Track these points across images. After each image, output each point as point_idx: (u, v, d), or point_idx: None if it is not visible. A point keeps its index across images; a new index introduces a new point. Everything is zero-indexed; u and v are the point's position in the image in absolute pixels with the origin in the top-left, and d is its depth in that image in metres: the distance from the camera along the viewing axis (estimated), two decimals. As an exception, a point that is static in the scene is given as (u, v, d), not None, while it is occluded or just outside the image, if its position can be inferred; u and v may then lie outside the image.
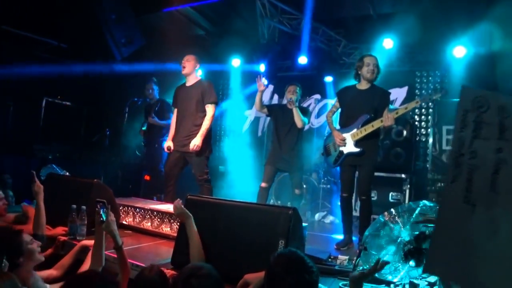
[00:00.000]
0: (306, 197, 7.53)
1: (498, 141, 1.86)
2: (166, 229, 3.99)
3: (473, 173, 1.87)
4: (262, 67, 8.65)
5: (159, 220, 4.06)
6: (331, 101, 8.63)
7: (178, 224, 3.28)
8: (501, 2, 6.05)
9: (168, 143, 5.26)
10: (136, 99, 7.43)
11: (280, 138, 5.37)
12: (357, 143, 4.51)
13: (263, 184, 5.33)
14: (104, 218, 2.68)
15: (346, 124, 4.64)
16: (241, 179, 7.84)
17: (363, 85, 4.59)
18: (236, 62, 9.04)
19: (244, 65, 9.08)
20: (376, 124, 4.39)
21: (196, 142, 4.90)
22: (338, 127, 4.80)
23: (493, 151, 1.86)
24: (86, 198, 3.70)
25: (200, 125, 5.03)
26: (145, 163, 7.28)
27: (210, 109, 5.07)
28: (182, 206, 2.87)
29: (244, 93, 9.48)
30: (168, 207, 4.13)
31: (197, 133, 4.98)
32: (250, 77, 8.92)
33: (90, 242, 2.93)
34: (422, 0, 6.68)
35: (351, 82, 4.82)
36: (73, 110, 9.19)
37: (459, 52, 7.23)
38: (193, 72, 5.23)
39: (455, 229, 1.86)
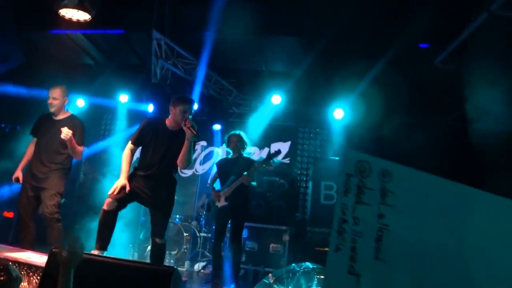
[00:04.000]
0: (186, 245, 7.27)
1: (380, 206, 1.86)
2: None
3: (357, 241, 1.82)
4: (150, 107, 8.39)
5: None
6: (218, 149, 8.80)
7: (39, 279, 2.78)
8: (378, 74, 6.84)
9: (17, 173, 4.73)
10: (3, 124, 6.57)
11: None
12: (227, 198, 5.53)
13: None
14: None
15: (222, 185, 5.74)
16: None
17: (234, 155, 5.80)
18: (123, 97, 8.63)
19: (132, 102, 8.70)
20: (237, 182, 5.49)
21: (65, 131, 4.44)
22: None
23: (375, 217, 1.85)
24: None
25: (60, 163, 4.71)
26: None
27: (80, 150, 4.73)
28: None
29: (129, 131, 9.02)
30: (29, 256, 3.55)
31: (56, 171, 4.66)
32: (136, 115, 8.61)
33: None
34: (310, 65, 7.21)
35: (238, 131, 5.89)
36: None
37: (338, 114, 7.90)
38: (62, 107, 4.86)
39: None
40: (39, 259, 3.61)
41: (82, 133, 4.76)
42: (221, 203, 5.55)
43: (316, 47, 6.91)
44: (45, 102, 4.87)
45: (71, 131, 4.47)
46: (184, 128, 4.02)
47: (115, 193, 3.95)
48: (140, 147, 4.29)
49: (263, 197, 7.13)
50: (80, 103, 8.73)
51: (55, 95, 4.74)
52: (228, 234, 5.69)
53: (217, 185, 5.93)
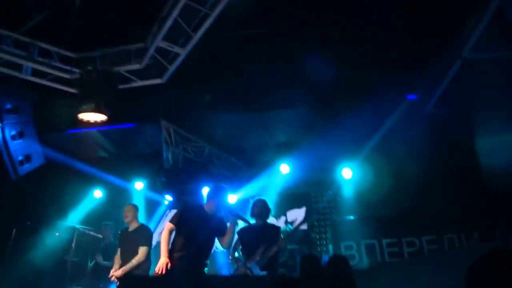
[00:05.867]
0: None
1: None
2: None
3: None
4: (168, 198, 8.68)
5: None
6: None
7: None
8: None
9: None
10: (29, 222, 6.94)
11: None
12: (262, 268, 5.11)
13: None
14: None
15: (248, 255, 5.36)
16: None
17: (259, 222, 5.51)
18: (139, 185, 8.95)
19: (147, 190, 9.02)
20: (274, 249, 5.17)
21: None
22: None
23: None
24: None
25: None
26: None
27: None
28: None
29: (149, 217, 9.21)
30: None
31: None
32: (153, 204, 8.90)
33: None
34: (313, 131, 7.55)
35: (263, 197, 5.94)
36: None
37: (347, 173, 8.08)
38: (134, 219, 5.74)
39: None
40: None
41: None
42: (256, 273, 5.17)
43: (317, 114, 7.26)
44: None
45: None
46: (230, 214, 4.63)
47: (161, 272, 4.21)
48: (177, 230, 4.59)
49: (285, 266, 7.13)
50: (98, 194, 9.08)
51: (128, 208, 5.77)
52: None
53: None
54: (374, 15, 5.62)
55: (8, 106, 6.64)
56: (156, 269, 4.26)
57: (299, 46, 6.59)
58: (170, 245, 4.54)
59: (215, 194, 4.72)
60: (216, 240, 4.65)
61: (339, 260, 4.13)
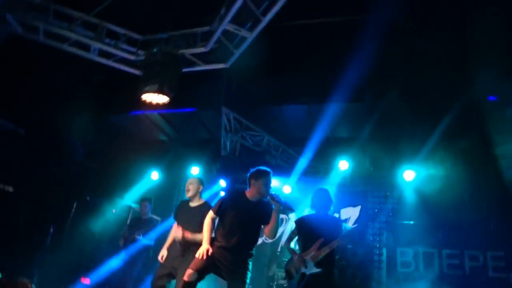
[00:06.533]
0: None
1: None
2: None
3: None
4: (222, 183, 8.67)
5: None
6: (285, 216, 8.76)
7: None
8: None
9: (163, 252, 5.09)
10: (88, 198, 7.20)
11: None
12: (317, 264, 4.75)
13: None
14: None
15: (305, 247, 4.93)
16: None
17: (319, 213, 5.09)
18: (195, 170, 9.05)
19: (203, 174, 9.07)
20: (332, 245, 4.78)
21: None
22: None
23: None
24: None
25: None
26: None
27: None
28: None
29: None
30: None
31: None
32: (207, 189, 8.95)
33: None
34: (374, 128, 7.22)
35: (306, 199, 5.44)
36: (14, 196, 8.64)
37: (409, 175, 7.64)
38: (197, 194, 5.23)
39: None
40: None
41: None
42: (310, 269, 4.79)
43: (379, 111, 6.95)
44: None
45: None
46: (272, 201, 4.21)
47: (202, 257, 4.10)
48: (219, 218, 4.44)
49: (337, 266, 6.90)
50: (154, 176, 9.30)
51: (191, 181, 5.23)
52: None
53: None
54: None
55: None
56: (196, 255, 4.16)
57: (368, 38, 6.28)
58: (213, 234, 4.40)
59: (256, 178, 4.35)
60: None
61: None
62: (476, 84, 5.91)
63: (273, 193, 4.26)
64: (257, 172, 4.42)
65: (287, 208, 4.30)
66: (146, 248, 6.65)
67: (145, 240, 6.51)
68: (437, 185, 7.19)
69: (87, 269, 7.16)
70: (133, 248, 6.55)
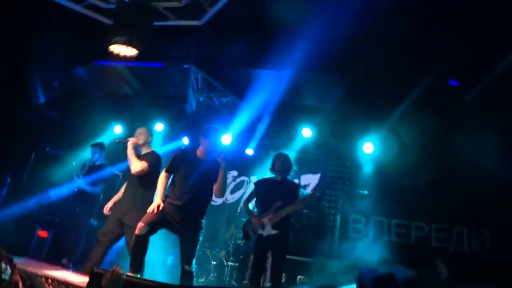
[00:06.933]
0: (214, 274, 7.36)
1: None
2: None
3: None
4: (185, 140, 8.66)
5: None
6: (246, 179, 8.95)
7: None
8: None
9: (109, 204, 5.09)
10: (48, 148, 7.03)
11: None
12: (274, 226, 4.89)
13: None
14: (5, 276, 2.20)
15: (262, 210, 5.08)
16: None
17: (278, 177, 5.19)
18: (159, 126, 8.97)
19: (167, 131, 9.03)
20: (289, 209, 4.94)
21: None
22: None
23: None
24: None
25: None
26: (48, 218, 6.79)
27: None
28: None
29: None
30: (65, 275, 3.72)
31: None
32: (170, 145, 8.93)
33: None
34: (340, 100, 7.37)
35: (286, 152, 5.66)
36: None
37: (368, 148, 7.93)
38: (145, 144, 5.13)
39: None
40: (75, 278, 3.82)
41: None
42: (267, 231, 4.91)
43: (347, 83, 7.07)
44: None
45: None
46: (218, 158, 4.22)
47: (153, 212, 4.13)
48: (172, 176, 4.48)
49: (292, 229, 7.18)
50: (118, 129, 9.15)
51: (140, 131, 5.17)
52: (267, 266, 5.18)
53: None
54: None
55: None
56: (149, 210, 4.18)
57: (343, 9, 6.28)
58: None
59: (205, 136, 4.37)
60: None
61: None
62: (438, 67, 6.10)
63: (220, 151, 4.32)
64: (206, 130, 4.49)
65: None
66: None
67: (79, 181, 6.70)
68: (393, 159, 7.53)
69: (44, 222, 7.03)
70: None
